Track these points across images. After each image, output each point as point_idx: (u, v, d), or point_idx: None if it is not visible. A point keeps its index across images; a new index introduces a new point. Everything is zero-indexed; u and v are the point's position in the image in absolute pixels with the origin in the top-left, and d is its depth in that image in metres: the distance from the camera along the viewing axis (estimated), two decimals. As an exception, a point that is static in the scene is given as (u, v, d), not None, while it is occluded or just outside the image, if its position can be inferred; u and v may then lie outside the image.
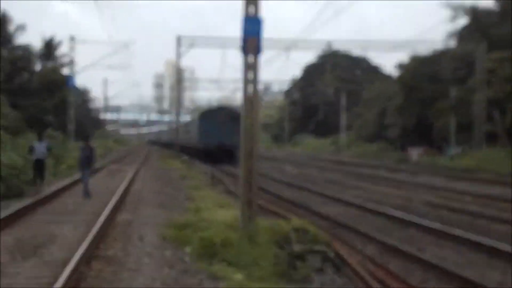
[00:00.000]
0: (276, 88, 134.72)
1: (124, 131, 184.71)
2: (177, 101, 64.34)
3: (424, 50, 59.44)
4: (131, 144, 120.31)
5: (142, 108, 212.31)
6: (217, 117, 53.62)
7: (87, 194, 20.72)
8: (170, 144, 74.72)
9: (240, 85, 12.74)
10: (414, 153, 57.52)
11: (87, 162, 20.64)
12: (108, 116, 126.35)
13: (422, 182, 31.24)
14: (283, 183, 31.33)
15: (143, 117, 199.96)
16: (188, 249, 11.59)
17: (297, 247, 11.67)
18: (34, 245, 11.77)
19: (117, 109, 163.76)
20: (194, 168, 40.78)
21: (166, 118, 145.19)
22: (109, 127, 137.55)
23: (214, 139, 51.66)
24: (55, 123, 57.01)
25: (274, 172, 39.13)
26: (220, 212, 15.54)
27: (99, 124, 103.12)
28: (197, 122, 56.81)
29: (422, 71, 57.38)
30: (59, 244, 11.94)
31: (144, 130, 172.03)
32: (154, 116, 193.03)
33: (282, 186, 29.81)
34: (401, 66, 65.20)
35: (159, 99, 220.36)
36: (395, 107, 62.90)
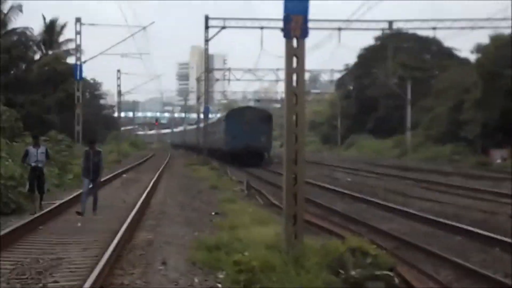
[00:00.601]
0: (326, 78, 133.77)
1: (142, 132, 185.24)
2: (205, 95, 64.87)
3: (509, 28, 58.70)
4: (151, 148, 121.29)
5: (164, 104, 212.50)
6: (244, 117, 60.44)
7: (94, 209, 20.95)
8: (196, 147, 78.19)
9: (282, 75, 12.73)
10: (498, 155, 56.89)
11: (94, 171, 20.64)
12: (123, 114, 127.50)
13: (508, 192, 30.81)
14: (335, 193, 31.30)
15: (165, 116, 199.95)
16: (221, 275, 11.61)
17: (354, 272, 11.54)
18: (36, 271, 11.89)
19: (134, 106, 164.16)
20: (226, 176, 41.09)
21: (193, 115, 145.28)
22: (124, 128, 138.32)
23: (242, 141, 58.09)
24: (59, 124, 57.54)
25: (324, 180, 39.09)
26: (259, 229, 15.63)
27: (112, 124, 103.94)
28: (223, 123, 62.92)
29: (507, 54, 56.67)
30: (65, 270, 12.04)
31: (166, 131, 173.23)
32: (178, 114, 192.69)
33: (334, 196, 29.81)
34: (480, 49, 64.52)
35: (183, 93, 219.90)
36: (473, 99, 62.24)
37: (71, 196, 24.45)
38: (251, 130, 58.54)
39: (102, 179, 22.52)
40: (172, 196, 27.74)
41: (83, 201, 20.74)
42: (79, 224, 18.48)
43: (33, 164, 20.97)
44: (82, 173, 21.15)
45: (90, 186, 20.79)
